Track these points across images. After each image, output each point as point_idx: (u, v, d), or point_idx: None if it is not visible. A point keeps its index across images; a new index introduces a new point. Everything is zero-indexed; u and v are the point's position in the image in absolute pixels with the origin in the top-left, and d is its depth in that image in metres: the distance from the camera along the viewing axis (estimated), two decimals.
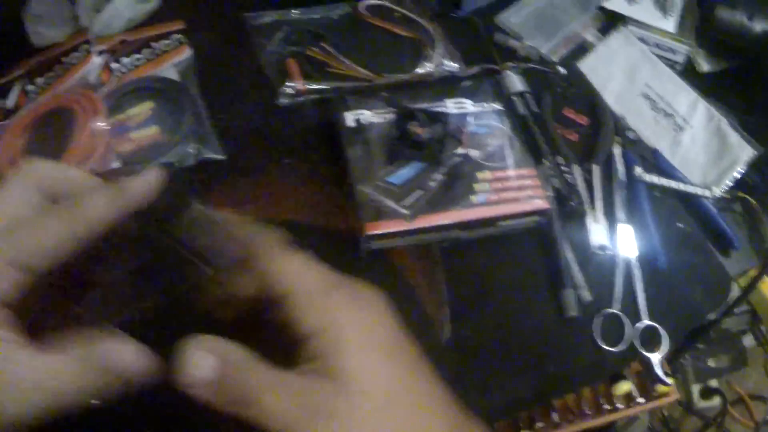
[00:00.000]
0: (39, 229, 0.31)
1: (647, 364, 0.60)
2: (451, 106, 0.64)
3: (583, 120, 0.71)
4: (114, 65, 0.70)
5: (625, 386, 0.66)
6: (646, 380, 0.68)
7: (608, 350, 0.58)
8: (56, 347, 0.31)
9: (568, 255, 0.62)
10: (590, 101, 0.72)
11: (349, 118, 0.62)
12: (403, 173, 0.60)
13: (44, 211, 0.33)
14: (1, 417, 0.29)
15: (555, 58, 0.72)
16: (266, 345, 0.31)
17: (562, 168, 0.65)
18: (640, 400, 0.67)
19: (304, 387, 0.30)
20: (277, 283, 0.32)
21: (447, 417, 0.32)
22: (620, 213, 0.65)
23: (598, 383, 0.67)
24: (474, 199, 0.59)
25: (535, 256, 0.62)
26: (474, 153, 0.62)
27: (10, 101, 0.70)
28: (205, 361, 0.30)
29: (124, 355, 0.32)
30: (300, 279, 0.32)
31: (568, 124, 0.70)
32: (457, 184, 0.59)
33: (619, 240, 0.64)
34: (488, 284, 0.60)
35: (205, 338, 0.30)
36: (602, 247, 0.63)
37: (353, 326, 0.31)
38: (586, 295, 0.60)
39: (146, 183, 0.34)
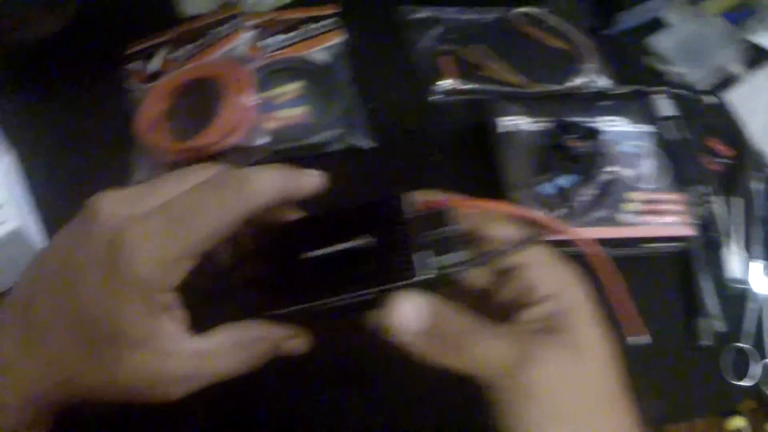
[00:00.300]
0: (207, 213, 0.31)
1: (766, 402, 0.60)
2: (604, 122, 0.64)
3: (726, 151, 0.70)
4: (263, 42, 0.71)
5: (738, 422, 0.66)
6: (761, 418, 0.67)
7: (731, 384, 0.58)
8: (214, 331, 0.33)
9: (704, 284, 0.62)
10: (734, 134, 0.71)
11: (503, 123, 0.63)
12: (554, 185, 0.60)
13: (210, 187, 0.32)
14: (165, 399, 0.32)
15: (702, 87, 0.72)
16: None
17: (706, 197, 0.64)
18: None
19: (520, 335, 0.31)
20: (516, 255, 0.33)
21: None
22: (757, 249, 0.65)
23: (712, 416, 0.66)
24: (621, 218, 0.59)
25: (670, 281, 0.62)
26: (624, 172, 0.62)
27: (154, 65, 0.71)
28: (416, 311, 0.31)
29: (277, 333, 0.34)
30: (537, 250, 0.34)
31: (711, 153, 0.70)
32: (605, 202, 0.60)
33: (754, 275, 0.63)
34: None
35: (413, 293, 0.31)
36: (737, 281, 0.63)
37: (584, 296, 0.33)
38: (717, 326, 0.60)
39: (312, 180, 0.35)
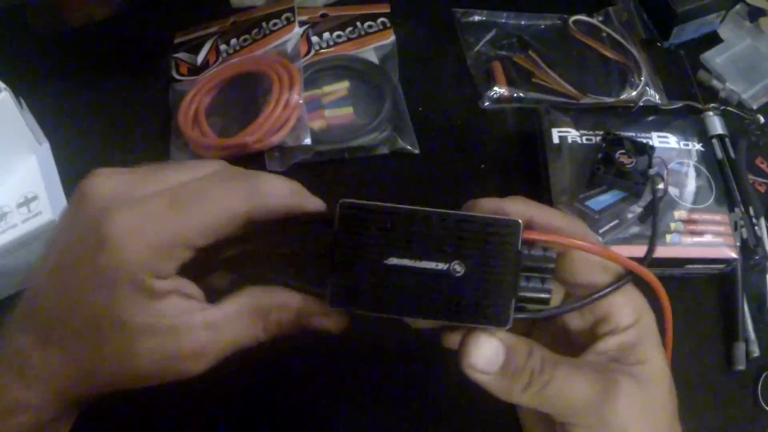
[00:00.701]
0: (210, 203, 0.30)
1: None
2: (655, 138, 0.64)
3: None
4: (314, 39, 0.71)
5: None
6: None
7: (766, 410, 0.58)
8: (228, 298, 0.32)
9: (745, 308, 0.62)
10: None
11: (555, 134, 0.63)
12: (603, 200, 0.60)
13: (217, 178, 0.31)
14: (188, 375, 0.30)
15: (754, 105, 0.71)
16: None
17: (751, 219, 0.64)
18: None
19: (598, 369, 0.31)
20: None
21: None
22: None
23: None
24: (668, 238, 0.59)
25: (711, 304, 0.62)
26: (673, 190, 0.61)
27: (200, 57, 0.71)
28: (496, 352, 0.30)
29: (292, 300, 0.32)
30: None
31: (758, 174, 0.69)
32: (652, 220, 0.60)
33: None
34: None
35: (493, 333, 0.30)
36: None
37: (654, 325, 0.33)
38: (755, 351, 0.60)
39: (316, 204, 0.34)
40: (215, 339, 0.31)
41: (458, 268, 0.29)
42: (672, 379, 0.33)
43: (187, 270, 0.31)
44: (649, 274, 0.33)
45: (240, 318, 0.31)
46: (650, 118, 0.67)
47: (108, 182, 0.30)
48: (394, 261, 0.29)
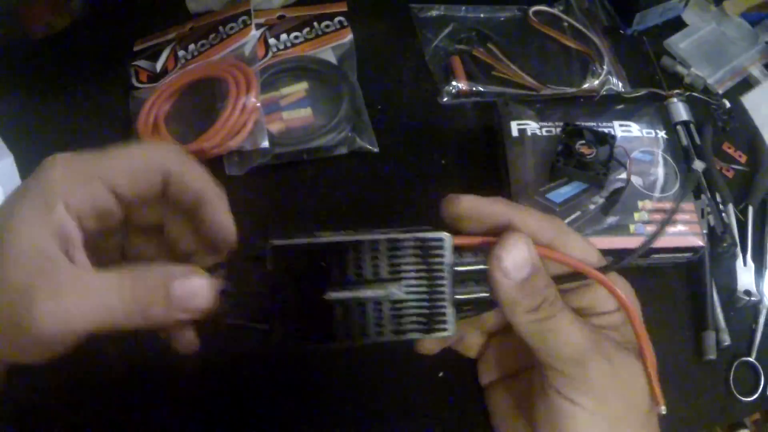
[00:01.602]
0: (130, 150, 0.32)
1: None
2: (617, 127, 0.63)
3: (741, 157, 0.69)
4: (271, 41, 0.70)
5: None
6: (764, 431, 0.67)
7: (738, 398, 0.58)
8: (116, 269, 0.29)
9: (714, 296, 0.61)
10: (750, 139, 0.70)
11: (514, 127, 0.62)
12: (564, 192, 0.59)
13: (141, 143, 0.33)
14: (43, 326, 0.27)
15: (719, 90, 0.70)
16: None
17: (718, 205, 0.63)
18: None
19: (592, 331, 0.32)
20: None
21: None
22: None
23: (716, 429, 0.66)
24: (632, 228, 0.58)
25: (678, 293, 0.61)
26: (636, 180, 0.61)
27: (159, 64, 0.70)
28: (524, 254, 0.30)
29: (188, 284, 0.29)
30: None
31: (725, 159, 0.68)
32: (616, 210, 0.59)
33: (765, 287, 0.62)
34: None
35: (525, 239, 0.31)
36: (748, 293, 0.62)
37: (639, 312, 0.34)
38: (726, 339, 0.59)
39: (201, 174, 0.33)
40: (76, 288, 0.28)
41: (396, 291, 0.30)
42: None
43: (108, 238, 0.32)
44: (603, 279, 0.33)
45: (110, 278, 0.29)
46: (613, 107, 0.66)
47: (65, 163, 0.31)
48: (334, 296, 0.30)
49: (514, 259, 0.30)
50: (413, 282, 0.30)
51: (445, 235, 0.31)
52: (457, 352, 0.39)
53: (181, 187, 0.32)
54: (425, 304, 0.31)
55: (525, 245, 0.30)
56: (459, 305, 0.32)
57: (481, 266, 0.31)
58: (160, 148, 0.33)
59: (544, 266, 0.31)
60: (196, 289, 0.29)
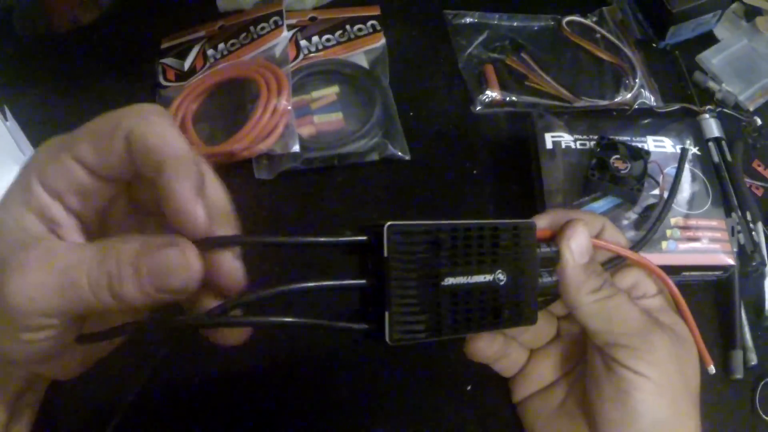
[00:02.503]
0: (96, 121, 0.28)
1: None
2: (650, 142, 0.63)
3: None
4: (302, 42, 0.70)
5: None
6: None
7: (764, 418, 0.57)
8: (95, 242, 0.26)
9: (742, 315, 0.61)
10: None
11: (548, 139, 0.61)
12: (597, 206, 0.59)
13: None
14: (11, 301, 0.24)
15: (750, 107, 0.70)
16: None
17: (748, 224, 0.63)
18: None
19: (644, 309, 0.34)
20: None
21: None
22: None
23: None
24: (664, 244, 0.58)
25: (706, 311, 0.61)
26: (667, 196, 0.60)
27: (187, 63, 0.70)
28: (587, 239, 0.34)
29: (160, 257, 0.25)
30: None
31: (755, 177, 0.68)
32: (649, 226, 0.58)
33: None
34: None
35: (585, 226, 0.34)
36: None
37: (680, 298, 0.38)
38: (753, 359, 0.59)
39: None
40: (42, 263, 0.25)
41: (501, 276, 0.30)
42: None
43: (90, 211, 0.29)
44: (646, 262, 0.37)
45: (80, 250, 0.26)
46: (645, 121, 0.66)
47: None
48: (450, 281, 0.29)
49: (580, 243, 0.33)
50: (514, 268, 0.31)
51: (533, 221, 0.33)
52: (495, 369, 0.39)
53: (142, 150, 0.27)
54: (523, 291, 0.31)
55: (586, 233, 0.33)
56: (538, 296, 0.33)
57: (554, 251, 0.33)
58: (125, 108, 0.28)
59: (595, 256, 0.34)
60: (172, 262, 0.25)
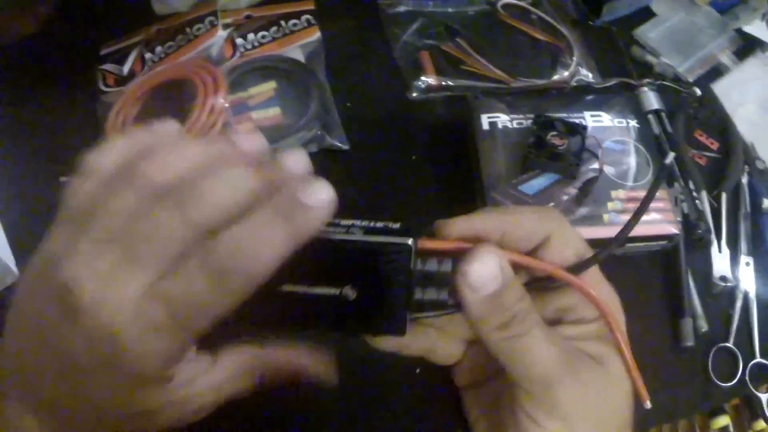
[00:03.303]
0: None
1: (753, 401, 0.59)
2: (588, 117, 0.63)
3: (712, 144, 0.69)
4: (238, 41, 0.69)
5: (723, 420, 0.66)
6: (744, 416, 0.66)
7: (717, 384, 0.57)
8: (225, 355, 0.32)
9: (690, 283, 0.61)
10: (722, 126, 0.70)
11: (485, 120, 0.61)
12: (536, 183, 0.59)
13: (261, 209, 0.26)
14: (184, 419, 0.30)
15: (690, 78, 0.70)
16: None
17: (692, 193, 0.63)
18: None
19: (566, 349, 0.30)
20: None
21: None
22: (744, 245, 0.64)
23: (697, 416, 0.66)
24: (606, 218, 0.58)
25: (655, 281, 0.61)
26: (608, 169, 0.60)
27: (126, 68, 0.70)
28: (492, 269, 0.29)
29: (293, 354, 0.33)
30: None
31: (697, 147, 0.68)
32: (589, 201, 0.59)
33: (740, 273, 0.62)
34: None
35: (494, 252, 0.29)
36: (723, 279, 0.62)
37: (621, 324, 0.33)
38: (703, 326, 0.59)
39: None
40: (217, 398, 0.31)
41: (349, 293, 0.30)
42: (631, 388, 0.32)
43: None
44: (581, 286, 0.32)
45: (238, 375, 0.32)
46: (584, 97, 0.66)
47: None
48: (289, 288, 0.30)
49: (481, 273, 0.29)
50: (370, 287, 0.30)
51: (407, 241, 0.30)
52: (431, 361, 0.38)
53: None
54: (382, 307, 0.30)
55: (494, 259, 0.29)
56: (419, 309, 0.31)
57: (446, 270, 0.31)
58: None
59: (513, 284, 0.30)
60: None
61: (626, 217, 0.58)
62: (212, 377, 0.31)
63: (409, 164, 0.63)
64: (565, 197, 0.59)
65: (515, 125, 0.62)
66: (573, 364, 0.30)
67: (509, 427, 0.31)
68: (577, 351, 0.31)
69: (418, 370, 0.53)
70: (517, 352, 0.29)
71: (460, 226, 0.31)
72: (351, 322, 0.30)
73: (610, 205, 0.58)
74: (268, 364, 0.33)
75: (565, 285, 0.32)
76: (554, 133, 0.60)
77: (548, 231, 0.31)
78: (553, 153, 0.59)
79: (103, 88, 0.69)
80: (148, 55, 0.69)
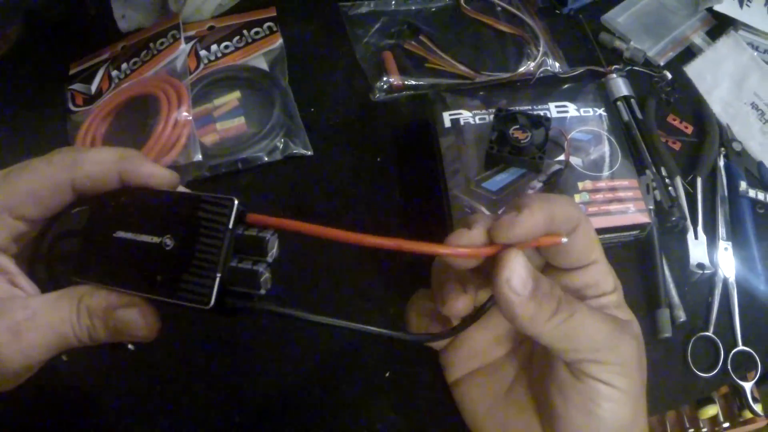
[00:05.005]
0: (33, 174, 0.32)
1: (738, 390, 0.58)
2: (553, 109, 0.62)
3: (687, 128, 0.67)
4: (202, 52, 0.70)
5: (712, 410, 0.64)
6: (733, 405, 0.65)
7: (698, 374, 0.56)
8: (62, 294, 0.31)
9: (666, 272, 0.59)
10: (696, 109, 0.68)
11: (446, 117, 0.61)
12: (500, 179, 0.58)
13: (43, 156, 0.33)
14: (10, 365, 0.29)
15: (661, 62, 0.69)
16: None
17: (666, 179, 0.62)
18: (726, 425, 0.65)
19: (604, 315, 0.31)
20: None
21: None
22: (722, 230, 0.62)
23: (685, 406, 0.64)
24: None
25: (630, 271, 0.60)
26: (575, 161, 0.59)
27: (93, 86, 0.70)
28: (524, 266, 0.29)
29: (126, 316, 0.30)
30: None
31: (671, 131, 0.67)
32: (556, 194, 0.57)
33: (719, 259, 0.61)
34: None
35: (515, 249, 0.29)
36: (701, 266, 0.60)
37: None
38: (681, 315, 0.58)
39: (159, 172, 0.32)
40: (33, 324, 0.29)
41: (168, 242, 0.29)
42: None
43: (25, 254, 0.32)
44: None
45: (60, 308, 0.30)
46: (556, 89, 0.65)
47: None
48: (120, 234, 0.31)
49: (521, 275, 0.29)
50: (187, 238, 0.29)
51: (232, 199, 0.29)
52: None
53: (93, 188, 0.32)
54: (195, 264, 0.28)
55: (521, 258, 0.29)
56: (230, 283, 0.29)
57: (264, 244, 0.29)
58: (57, 161, 0.32)
59: (539, 274, 0.30)
60: (133, 320, 0.30)
61: (594, 209, 0.58)
62: (31, 300, 0.31)
63: (375, 166, 0.62)
64: (530, 191, 0.58)
65: (478, 121, 0.61)
66: (616, 325, 0.31)
67: (572, 401, 0.31)
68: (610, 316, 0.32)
69: (387, 374, 0.53)
70: (576, 329, 0.30)
71: (474, 234, 0.30)
72: (164, 276, 0.29)
73: (577, 197, 0.57)
74: (100, 304, 0.31)
75: (575, 270, 0.32)
76: (516, 126, 0.59)
77: (551, 212, 0.31)
78: (516, 147, 0.58)
79: (73, 108, 0.69)
80: (114, 73, 0.69)
